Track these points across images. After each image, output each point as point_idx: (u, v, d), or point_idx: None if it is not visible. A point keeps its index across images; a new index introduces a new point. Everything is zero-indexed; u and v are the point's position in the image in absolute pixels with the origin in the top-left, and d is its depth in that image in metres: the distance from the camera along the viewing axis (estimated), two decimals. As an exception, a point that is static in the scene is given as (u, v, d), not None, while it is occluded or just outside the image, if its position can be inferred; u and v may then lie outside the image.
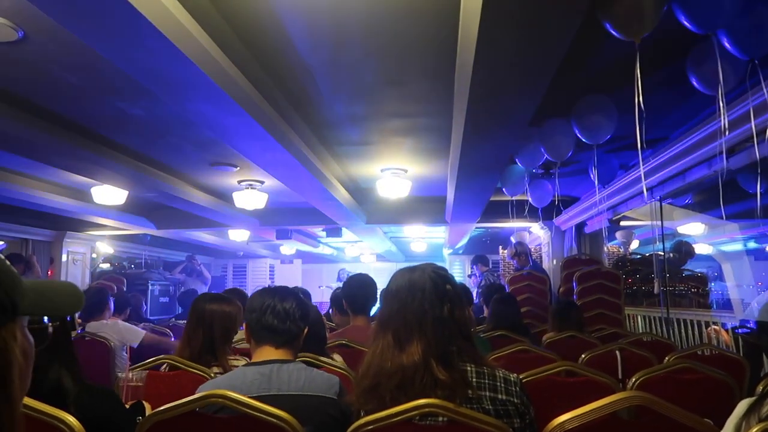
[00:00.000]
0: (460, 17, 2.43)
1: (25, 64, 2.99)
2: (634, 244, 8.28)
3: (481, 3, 1.93)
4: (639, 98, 2.17)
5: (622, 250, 7.94)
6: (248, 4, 2.47)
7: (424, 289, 1.51)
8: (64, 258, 8.20)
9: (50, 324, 0.81)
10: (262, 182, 6.06)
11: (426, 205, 7.38)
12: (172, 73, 2.64)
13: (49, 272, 8.06)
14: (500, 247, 10.10)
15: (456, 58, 2.82)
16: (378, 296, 3.27)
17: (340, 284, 11.64)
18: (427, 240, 11.76)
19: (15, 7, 2.35)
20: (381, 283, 3.54)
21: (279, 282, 13.45)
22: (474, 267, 8.57)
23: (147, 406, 1.83)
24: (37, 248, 7.93)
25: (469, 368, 1.48)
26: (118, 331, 4.18)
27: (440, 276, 1.56)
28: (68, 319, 1.71)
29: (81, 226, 8.11)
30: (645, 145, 2.50)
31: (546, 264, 7.89)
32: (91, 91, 3.43)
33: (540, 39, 2.19)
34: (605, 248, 7.41)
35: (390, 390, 1.42)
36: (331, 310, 4.38)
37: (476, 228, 8.30)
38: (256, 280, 13.81)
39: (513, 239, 8.40)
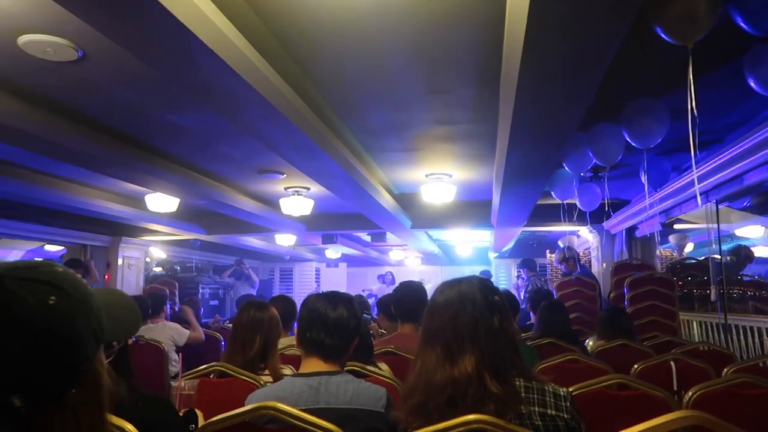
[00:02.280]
0: (505, 25, 2.41)
1: (84, 82, 3.13)
2: (689, 247, 8.00)
3: (528, 10, 1.91)
4: (692, 104, 2.10)
5: (675, 254, 7.68)
6: (295, 18, 2.52)
7: (475, 300, 1.49)
8: (120, 262, 8.53)
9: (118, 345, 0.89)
10: (308, 188, 6.14)
11: (471, 209, 7.32)
12: (222, 88, 2.72)
13: (106, 276, 8.40)
14: (547, 250, 9.92)
15: (501, 65, 2.80)
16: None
17: (384, 287, 11.64)
18: (473, 243, 11.67)
19: (76, 29, 2.46)
20: (426, 286, 3.55)
21: (325, 286, 13.61)
22: (521, 271, 8.46)
23: (199, 414, 1.88)
24: (95, 253, 8.28)
25: (518, 382, 1.45)
26: (167, 332, 4.33)
27: (488, 287, 1.55)
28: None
29: (136, 232, 8.41)
30: (698, 149, 2.42)
31: (595, 269, 7.71)
32: (145, 105, 3.56)
33: (587, 45, 2.15)
34: (658, 252, 7.18)
35: (438, 405, 1.41)
36: (377, 315, 4.39)
37: (523, 231, 8.18)
38: (302, 284, 14.00)
39: (561, 243, 8.24)
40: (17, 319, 0.67)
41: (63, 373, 0.70)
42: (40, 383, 0.69)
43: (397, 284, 3.59)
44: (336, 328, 1.80)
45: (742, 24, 2.04)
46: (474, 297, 1.50)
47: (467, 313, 1.48)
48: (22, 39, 2.57)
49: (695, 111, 2.13)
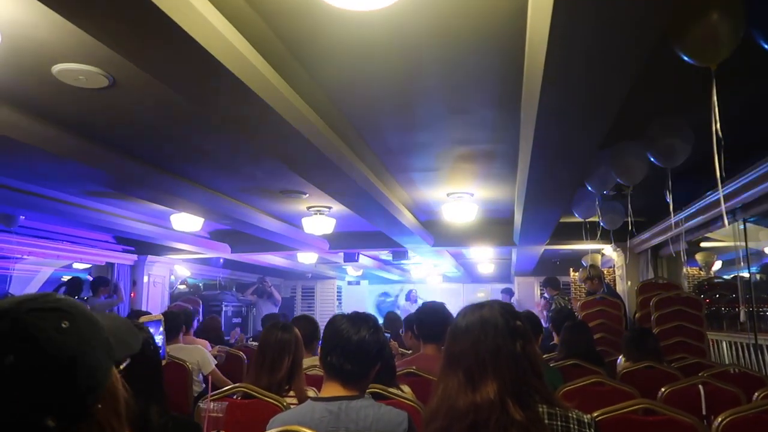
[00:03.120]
0: (526, 47, 2.43)
1: (114, 107, 3.23)
2: (717, 265, 7.84)
3: (548, 34, 1.93)
4: (716, 125, 2.08)
5: (702, 272, 7.53)
6: (318, 43, 2.57)
7: (497, 325, 1.48)
8: (145, 280, 8.66)
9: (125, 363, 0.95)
10: (330, 208, 6.19)
11: (493, 227, 7.29)
12: (246, 112, 2.78)
13: (132, 294, 8.53)
14: (571, 269, 9.80)
15: (521, 87, 2.82)
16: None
17: (410, 303, 11.57)
18: (495, 261, 11.59)
19: (106, 57, 2.54)
20: (448, 304, 3.53)
21: (347, 303, 13.60)
22: (544, 289, 8.35)
23: (225, 436, 1.90)
24: (121, 271, 8.42)
25: (541, 408, 1.44)
26: (196, 355, 4.30)
27: (509, 312, 1.55)
28: (162, 352, 1.82)
29: (161, 250, 8.55)
30: (724, 171, 2.39)
31: (620, 288, 7.59)
32: (172, 129, 3.65)
33: (608, 69, 2.16)
34: (684, 271, 7.05)
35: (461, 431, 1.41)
36: (403, 332, 4.38)
37: (546, 249, 8.11)
38: (324, 302, 14.02)
39: (584, 262, 8.14)
40: (40, 346, 0.72)
41: (87, 389, 0.74)
42: (69, 401, 0.73)
43: (418, 302, 3.60)
44: (357, 353, 1.80)
45: (765, 45, 2.03)
46: (496, 322, 1.49)
47: (489, 338, 1.47)
48: (56, 68, 2.67)
49: (719, 132, 2.12)
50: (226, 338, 6.98)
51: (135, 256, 8.51)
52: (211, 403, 1.97)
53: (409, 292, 12.32)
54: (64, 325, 0.75)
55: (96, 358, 0.77)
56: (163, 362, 1.80)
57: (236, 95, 2.53)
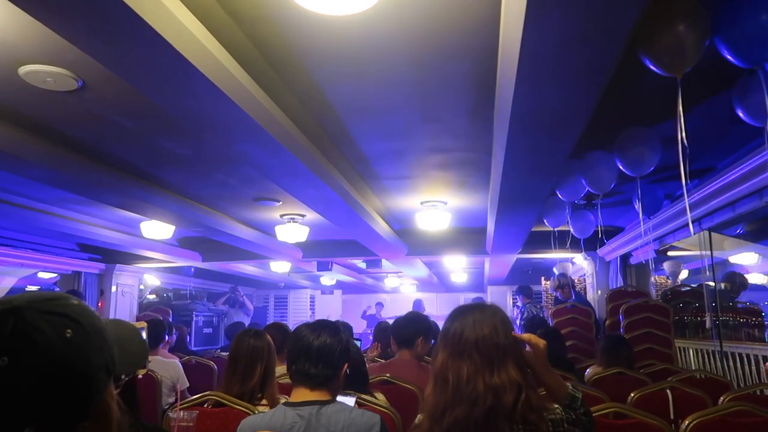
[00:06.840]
0: (498, 57, 2.47)
1: (83, 111, 3.17)
2: (684, 274, 8.02)
3: (520, 43, 1.96)
4: (682, 134, 2.14)
5: (670, 281, 7.69)
6: (292, 50, 2.57)
7: (507, 323, 1.55)
8: (113, 289, 8.47)
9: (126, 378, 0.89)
10: (303, 216, 6.16)
11: (466, 236, 7.34)
12: (220, 117, 2.76)
13: (99, 304, 8.33)
14: (542, 277, 9.92)
15: (494, 96, 2.85)
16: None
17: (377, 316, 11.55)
18: (468, 270, 11.66)
19: (76, 59, 2.50)
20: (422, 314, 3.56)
21: (320, 313, 13.52)
22: (517, 298, 8.44)
23: (195, 445, 1.86)
24: (89, 280, 8.22)
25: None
26: (171, 370, 4.15)
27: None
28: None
29: (130, 259, 8.37)
30: (689, 178, 2.45)
31: (590, 296, 7.71)
32: (143, 134, 3.59)
33: (578, 78, 2.20)
34: (652, 279, 7.19)
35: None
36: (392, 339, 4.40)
37: (518, 258, 8.19)
38: (297, 311, 13.91)
39: (556, 270, 8.26)
40: (35, 350, 0.68)
41: (76, 405, 0.70)
42: (54, 415, 0.69)
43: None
44: (320, 356, 1.81)
45: (728, 56, 2.09)
46: (507, 321, 1.55)
47: (505, 333, 1.50)
48: (23, 69, 2.61)
49: (685, 141, 2.17)
50: (194, 348, 6.88)
51: (103, 265, 8.32)
52: (181, 412, 1.93)
53: (377, 304, 12.54)
54: (67, 334, 0.70)
55: (91, 374, 0.72)
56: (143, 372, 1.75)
57: (209, 99, 2.51)
